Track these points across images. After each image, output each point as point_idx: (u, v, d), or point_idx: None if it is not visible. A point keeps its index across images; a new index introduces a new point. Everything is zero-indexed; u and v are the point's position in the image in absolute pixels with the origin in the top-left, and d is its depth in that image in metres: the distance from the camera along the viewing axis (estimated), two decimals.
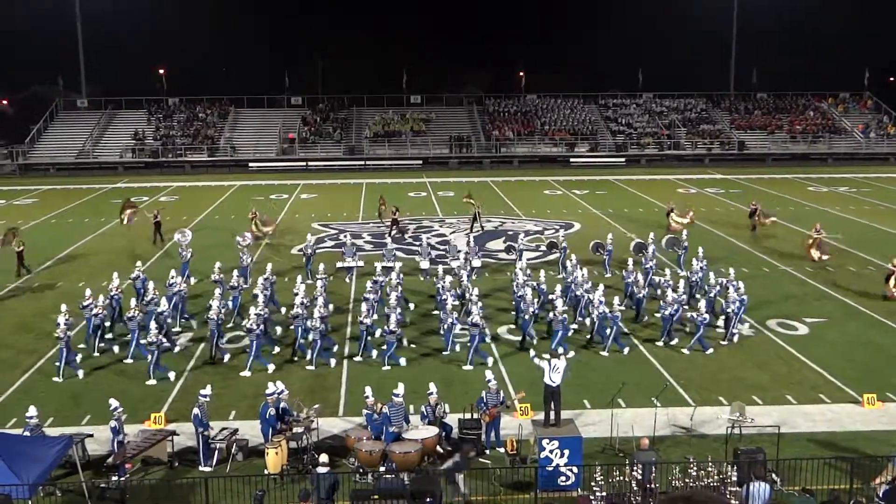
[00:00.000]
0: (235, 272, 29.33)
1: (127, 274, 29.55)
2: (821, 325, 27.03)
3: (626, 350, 24.59)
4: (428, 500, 15.33)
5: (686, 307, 26.09)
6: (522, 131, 76.42)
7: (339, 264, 33.12)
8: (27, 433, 17.36)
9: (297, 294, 26.02)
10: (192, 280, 31.60)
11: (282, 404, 18.87)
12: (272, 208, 47.38)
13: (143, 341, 23.60)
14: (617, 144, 75.38)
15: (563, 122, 77.97)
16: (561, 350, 21.34)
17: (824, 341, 25.67)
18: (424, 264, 32.81)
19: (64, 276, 34.30)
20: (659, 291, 27.75)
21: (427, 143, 75.14)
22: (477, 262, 32.83)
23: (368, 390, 19.03)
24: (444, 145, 74.91)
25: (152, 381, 22.70)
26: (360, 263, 32.85)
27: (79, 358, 23.75)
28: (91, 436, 18.69)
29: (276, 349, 24.86)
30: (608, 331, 24.59)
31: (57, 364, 23.21)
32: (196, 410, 18.20)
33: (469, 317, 24.13)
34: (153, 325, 23.38)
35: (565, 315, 24.61)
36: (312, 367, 23.52)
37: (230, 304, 27.47)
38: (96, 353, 24.61)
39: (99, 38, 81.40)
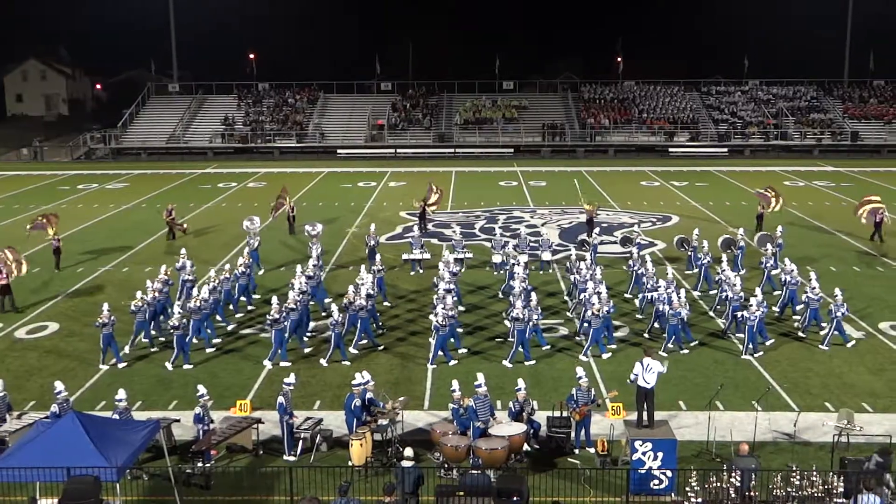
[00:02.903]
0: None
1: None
2: None
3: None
4: (514, 498, 15.30)
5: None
6: (619, 119, 75.48)
7: (405, 256, 33.23)
8: (116, 416, 17.99)
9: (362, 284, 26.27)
10: (262, 270, 32.68)
11: (368, 395, 19.10)
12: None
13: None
14: (719, 134, 73.75)
15: (662, 110, 76.71)
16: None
17: None
18: (523, 258, 32.85)
19: (152, 261, 35.37)
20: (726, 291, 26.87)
21: (519, 131, 74.89)
22: (547, 256, 32.65)
23: (455, 384, 19.09)
24: (537, 133, 74.54)
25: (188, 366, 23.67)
26: (427, 255, 32.99)
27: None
28: (178, 421, 19.27)
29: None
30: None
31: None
32: (280, 399, 18.56)
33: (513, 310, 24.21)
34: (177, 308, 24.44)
35: (682, 311, 24.30)
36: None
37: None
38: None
39: (190, 23, 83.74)
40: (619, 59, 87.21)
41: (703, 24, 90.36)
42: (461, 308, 26.93)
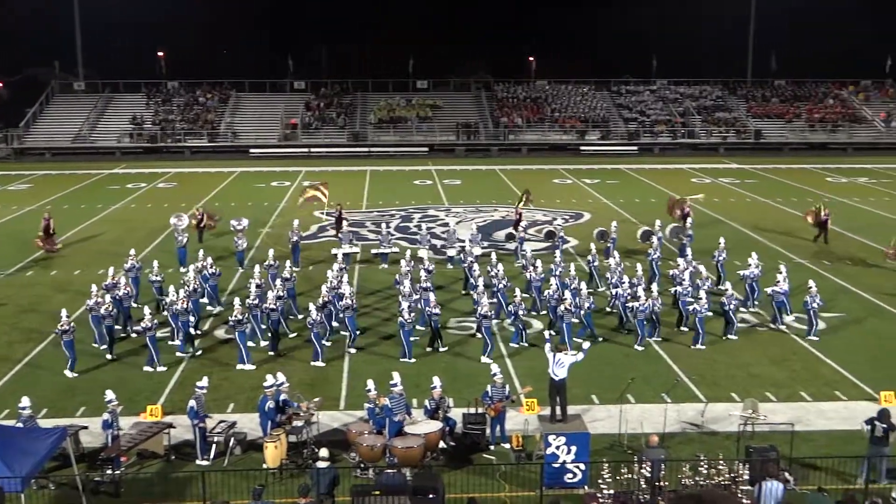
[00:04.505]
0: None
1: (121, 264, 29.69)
2: (838, 321, 26.95)
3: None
4: (430, 496, 15.36)
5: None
6: (532, 118, 76.29)
7: (334, 251, 33.47)
8: (20, 424, 17.42)
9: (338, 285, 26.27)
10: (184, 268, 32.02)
11: (282, 396, 18.92)
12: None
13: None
14: (629, 132, 75.18)
15: (573, 109, 77.83)
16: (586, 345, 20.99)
17: (841, 337, 25.63)
18: (477, 249, 33.34)
19: (58, 265, 34.38)
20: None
21: (433, 130, 75.06)
22: (478, 250, 33.01)
23: (371, 383, 19.06)
24: (451, 132, 74.83)
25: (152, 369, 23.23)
26: (356, 249, 33.35)
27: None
28: (85, 428, 18.74)
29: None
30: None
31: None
32: (192, 402, 18.23)
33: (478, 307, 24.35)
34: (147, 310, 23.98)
35: (651, 305, 24.82)
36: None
37: (210, 290, 28.28)
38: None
39: (96, 20, 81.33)
40: (531, 58, 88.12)
41: (612, 24, 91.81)
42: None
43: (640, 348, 24.53)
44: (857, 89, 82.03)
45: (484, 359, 23.57)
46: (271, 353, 24.26)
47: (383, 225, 35.88)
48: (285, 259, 31.65)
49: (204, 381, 19.09)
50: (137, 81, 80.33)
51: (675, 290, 26.86)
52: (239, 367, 23.18)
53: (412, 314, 24.15)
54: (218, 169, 62.12)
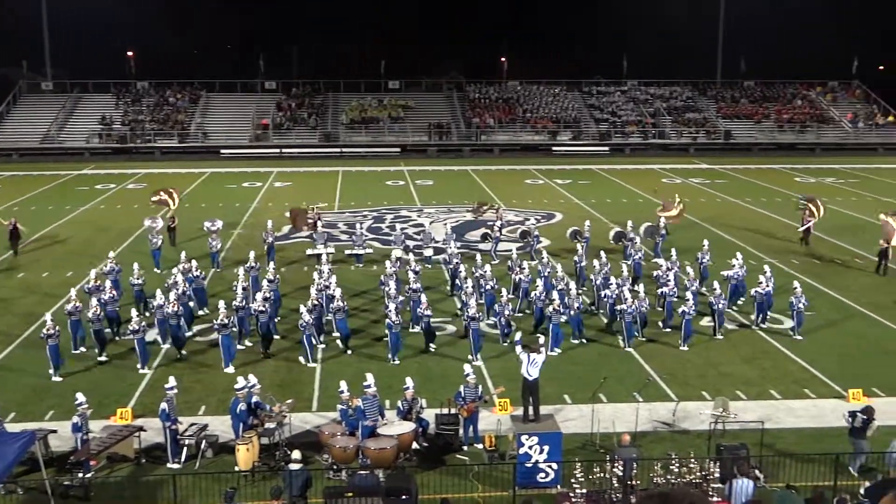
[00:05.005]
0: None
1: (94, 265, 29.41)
2: (807, 320, 27.19)
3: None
4: (403, 497, 15.34)
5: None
6: (504, 119, 76.42)
7: (308, 251, 33.47)
8: None
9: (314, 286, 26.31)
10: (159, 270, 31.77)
11: (254, 398, 18.80)
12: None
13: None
14: (601, 133, 75.50)
15: (545, 110, 78.04)
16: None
17: (810, 335, 25.87)
18: (427, 252, 33.54)
19: (26, 266, 33.97)
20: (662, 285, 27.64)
21: (405, 131, 74.98)
22: (453, 248, 33.03)
23: (343, 385, 19.01)
24: (423, 132, 74.79)
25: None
26: (331, 250, 33.34)
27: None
28: (54, 431, 18.54)
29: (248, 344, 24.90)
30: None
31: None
32: (163, 405, 18.09)
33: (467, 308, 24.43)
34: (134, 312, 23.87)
35: (637, 306, 24.95)
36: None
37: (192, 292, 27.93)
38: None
39: (64, 19, 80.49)
40: (503, 59, 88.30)
41: (583, 25, 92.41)
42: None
43: (629, 349, 24.63)
44: (824, 90, 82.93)
45: (471, 357, 23.56)
46: (260, 353, 24.21)
47: (357, 225, 35.95)
48: (266, 261, 31.54)
49: (171, 382, 18.82)
50: (106, 81, 79.52)
51: (662, 292, 27.03)
52: (227, 371, 23.03)
53: (399, 315, 24.09)
54: (188, 170, 61.66)
